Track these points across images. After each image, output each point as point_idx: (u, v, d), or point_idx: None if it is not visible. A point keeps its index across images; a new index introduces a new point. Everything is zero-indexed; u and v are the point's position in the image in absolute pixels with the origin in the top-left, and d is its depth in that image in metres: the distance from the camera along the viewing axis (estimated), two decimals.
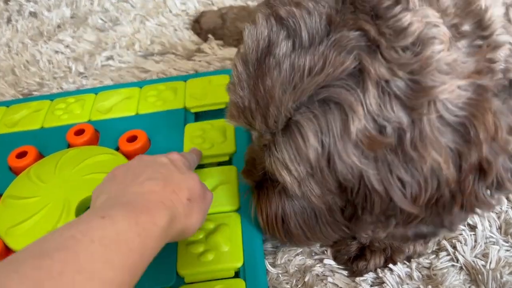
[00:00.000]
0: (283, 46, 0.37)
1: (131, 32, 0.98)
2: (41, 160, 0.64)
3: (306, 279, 0.52)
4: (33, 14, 1.10)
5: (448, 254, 0.52)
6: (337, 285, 0.51)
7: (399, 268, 0.51)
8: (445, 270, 0.51)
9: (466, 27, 0.40)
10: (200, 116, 0.71)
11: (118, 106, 0.72)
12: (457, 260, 0.52)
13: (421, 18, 0.36)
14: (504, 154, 0.37)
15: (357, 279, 0.51)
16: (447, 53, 0.36)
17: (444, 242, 0.53)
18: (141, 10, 1.05)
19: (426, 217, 0.40)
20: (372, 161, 0.37)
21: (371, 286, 0.51)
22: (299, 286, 0.52)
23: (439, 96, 0.35)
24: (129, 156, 0.63)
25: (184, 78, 0.76)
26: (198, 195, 0.45)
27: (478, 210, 0.40)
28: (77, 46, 0.97)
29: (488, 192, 0.39)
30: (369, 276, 0.51)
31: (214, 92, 0.71)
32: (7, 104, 0.77)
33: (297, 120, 0.38)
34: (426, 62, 0.35)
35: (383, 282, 0.50)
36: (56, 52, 0.96)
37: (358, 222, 0.44)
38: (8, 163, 0.64)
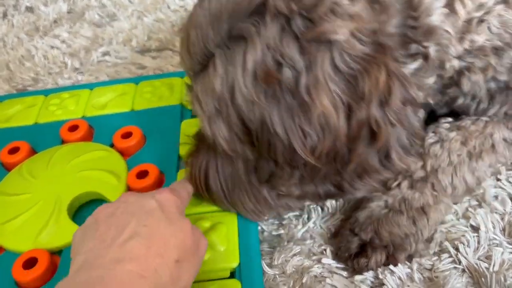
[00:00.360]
0: None
1: (128, 28, 0.97)
2: (34, 156, 0.63)
3: (304, 280, 0.50)
4: (30, 9, 1.08)
5: (450, 256, 0.51)
6: (336, 287, 0.50)
7: (400, 270, 0.50)
8: (447, 273, 0.49)
9: (394, 3, 0.41)
10: None
11: (113, 102, 0.71)
12: (460, 262, 0.50)
13: None
14: (401, 126, 0.39)
15: (357, 280, 0.49)
16: (348, 2, 0.37)
17: (446, 244, 0.52)
18: (139, 6, 1.03)
19: (328, 172, 0.41)
20: (272, 100, 0.38)
21: (370, 287, 0.50)
22: (296, 287, 0.50)
23: (331, 37, 0.36)
24: (123, 152, 0.62)
25: (181, 74, 0.75)
26: (189, 250, 0.40)
27: (370, 179, 0.42)
28: (73, 42, 0.95)
29: (377, 160, 0.40)
30: (369, 277, 0.50)
31: None
32: (0, 99, 0.75)
33: (214, 53, 0.40)
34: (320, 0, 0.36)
35: (383, 284, 0.49)
36: (52, 47, 0.94)
37: (271, 179, 0.45)
38: (0, 159, 0.63)
